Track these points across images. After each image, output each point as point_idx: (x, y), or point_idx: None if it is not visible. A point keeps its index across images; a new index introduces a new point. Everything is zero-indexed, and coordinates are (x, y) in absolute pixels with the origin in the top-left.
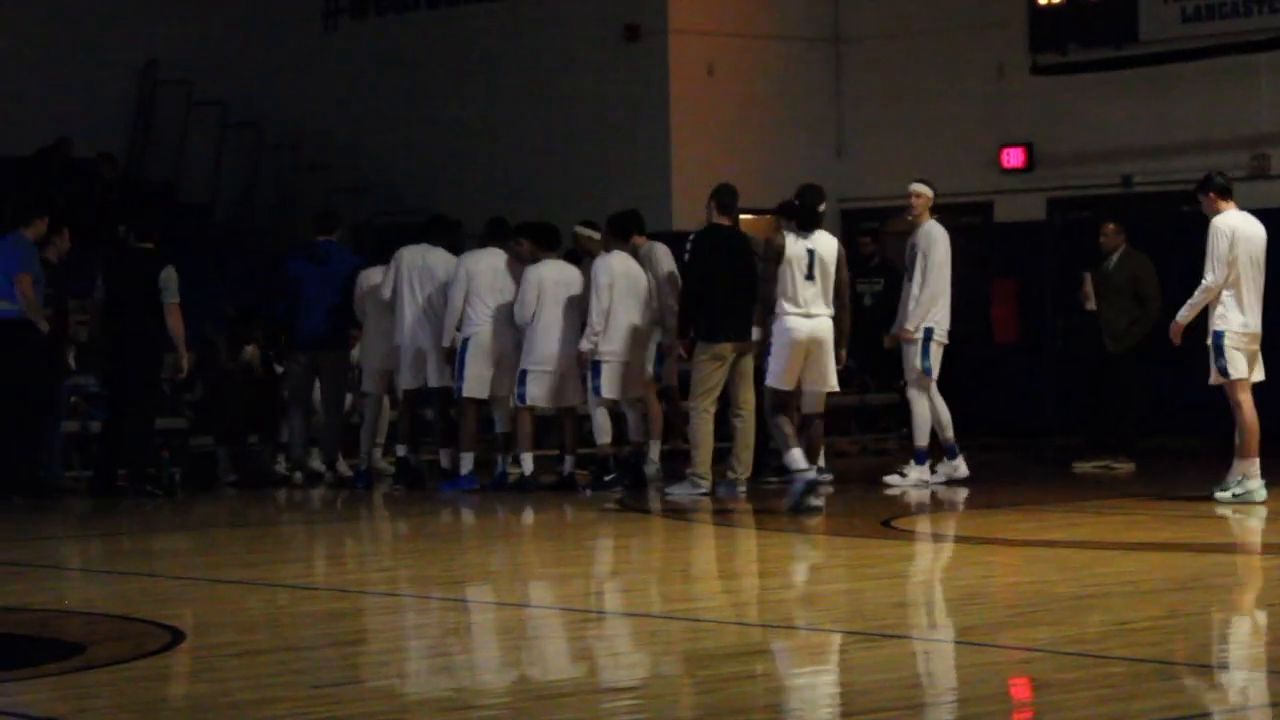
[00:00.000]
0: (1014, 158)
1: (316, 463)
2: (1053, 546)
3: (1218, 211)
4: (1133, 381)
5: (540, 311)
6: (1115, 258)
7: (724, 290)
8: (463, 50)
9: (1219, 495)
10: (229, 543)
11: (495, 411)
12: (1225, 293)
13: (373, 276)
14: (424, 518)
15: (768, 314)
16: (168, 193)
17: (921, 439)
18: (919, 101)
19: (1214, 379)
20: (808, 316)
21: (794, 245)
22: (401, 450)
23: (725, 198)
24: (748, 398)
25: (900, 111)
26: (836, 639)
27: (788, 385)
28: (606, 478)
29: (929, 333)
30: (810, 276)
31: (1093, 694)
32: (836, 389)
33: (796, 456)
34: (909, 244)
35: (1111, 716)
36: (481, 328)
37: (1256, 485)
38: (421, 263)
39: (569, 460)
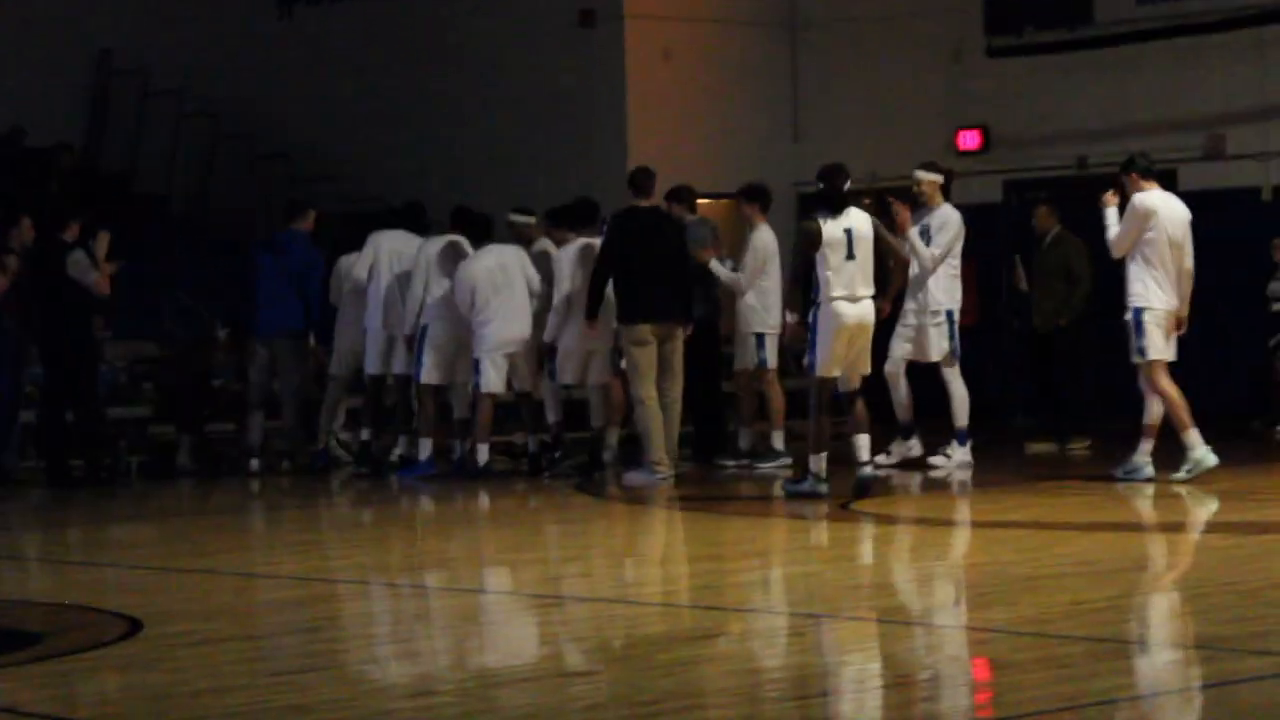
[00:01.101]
0: (970, 140)
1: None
2: (1010, 527)
3: (1140, 190)
4: (1071, 361)
5: (487, 299)
6: (1049, 239)
7: (642, 272)
8: (419, 37)
9: (1175, 477)
10: (186, 531)
11: (453, 397)
12: (1146, 271)
13: (349, 262)
14: (383, 504)
15: (805, 301)
16: (124, 183)
17: (961, 419)
18: (875, 85)
19: (1134, 358)
20: (853, 300)
21: (830, 228)
22: (365, 435)
23: (638, 180)
24: (674, 384)
25: (856, 95)
26: (795, 621)
27: (835, 372)
28: (556, 454)
29: (950, 314)
30: (852, 256)
31: (1050, 674)
32: (868, 371)
33: (820, 463)
34: (921, 226)
35: (1069, 696)
36: (441, 315)
37: (1203, 452)
38: (400, 248)
39: (533, 443)
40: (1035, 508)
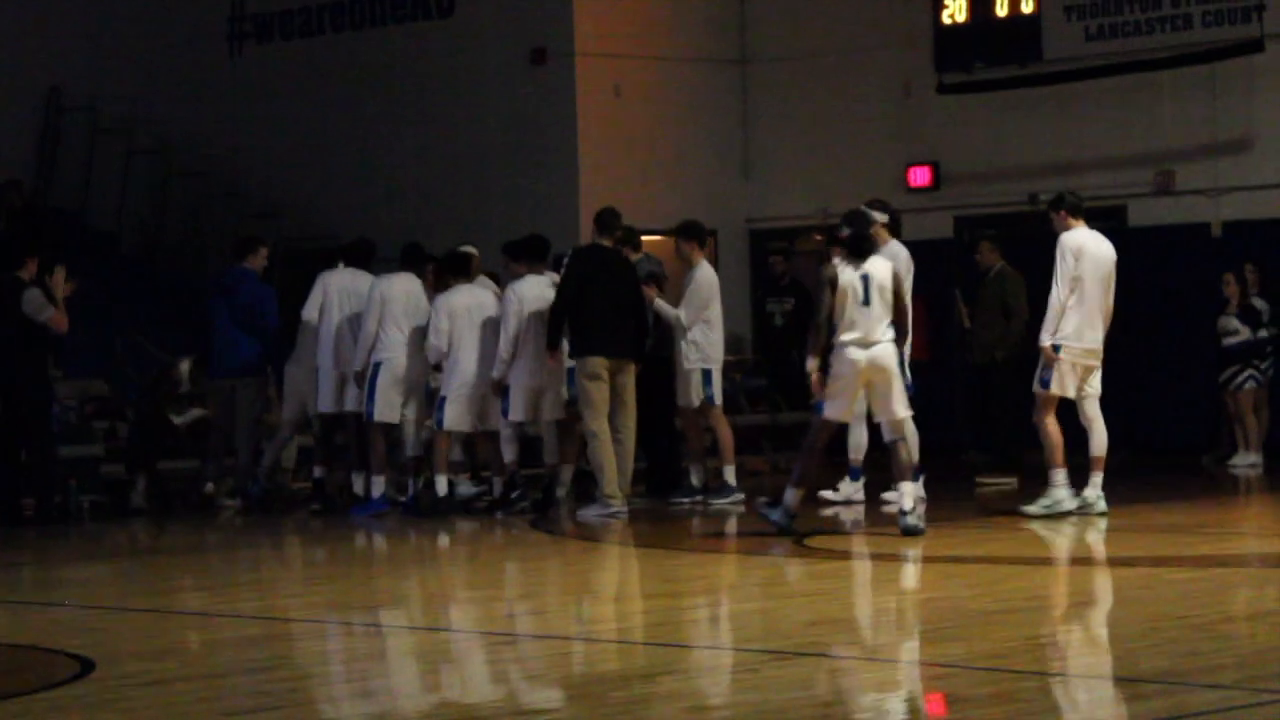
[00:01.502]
0: (920, 176)
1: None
2: (964, 562)
3: (1068, 228)
4: (1008, 395)
5: (456, 338)
6: (991, 274)
7: (598, 307)
8: (370, 74)
9: (1027, 509)
10: (138, 571)
11: (405, 435)
12: (1074, 310)
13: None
14: (337, 542)
15: (824, 344)
16: (74, 220)
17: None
18: (825, 121)
19: (1035, 387)
20: (864, 345)
21: (846, 273)
22: (318, 472)
23: (604, 219)
24: (627, 418)
25: (807, 131)
26: (749, 658)
27: (844, 418)
28: (513, 494)
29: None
30: (867, 302)
31: (1006, 709)
32: (907, 415)
33: (791, 496)
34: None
35: None
36: (394, 353)
37: (1064, 494)
38: (350, 286)
39: (497, 482)
40: (989, 543)
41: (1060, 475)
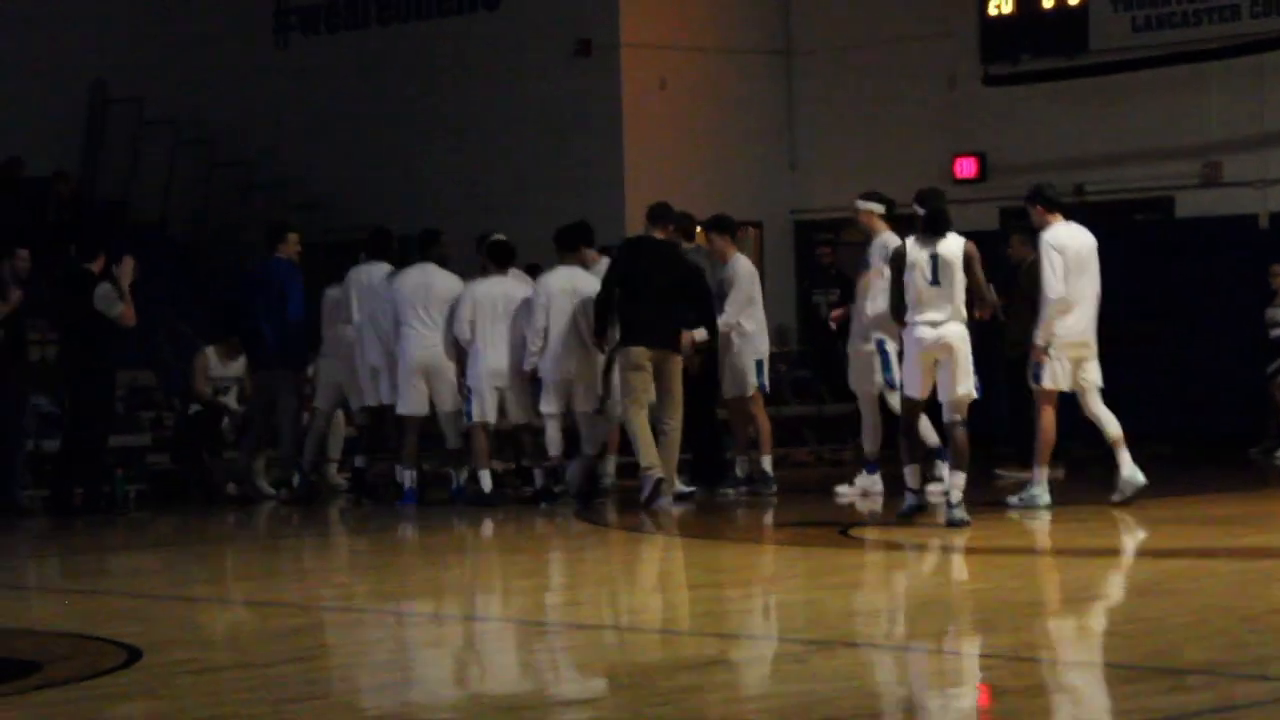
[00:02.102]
0: (966, 168)
1: (262, 481)
2: (1010, 553)
3: (1046, 224)
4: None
5: (481, 328)
6: (1023, 268)
7: (643, 298)
8: (415, 66)
9: (1009, 500)
10: (185, 560)
11: (445, 428)
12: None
13: (334, 293)
14: (381, 533)
15: (898, 321)
16: (120, 211)
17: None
18: (871, 113)
19: (1030, 383)
20: (933, 324)
21: (916, 251)
22: (359, 462)
23: (655, 211)
24: (673, 410)
25: (852, 123)
26: (795, 648)
27: (919, 394)
28: (556, 488)
29: (880, 344)
30: (936, 281)
31: (1050, 700)
32: (972, 394)
33: (909, 474)
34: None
35: None
36: (409, 343)
37: (1041, 491)
38: (365, 280)
39: (539, 474)
40: (1035, 534)
41: (1042, 473)
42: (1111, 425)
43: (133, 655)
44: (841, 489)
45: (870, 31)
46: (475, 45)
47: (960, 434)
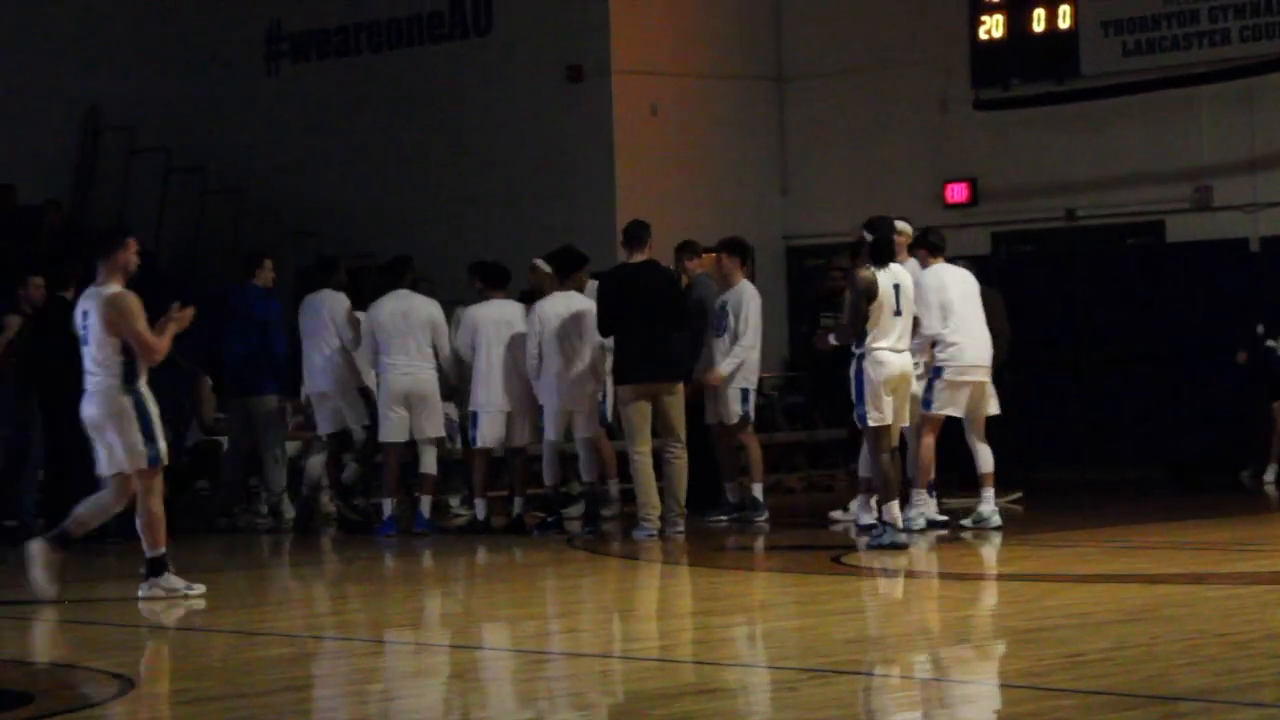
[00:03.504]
0: (958, 193)
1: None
2: (1001, 580)
3: (928, 266)
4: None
5: (484, 352)
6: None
7: (634, 329)
8: (406, 93)
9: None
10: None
11: (423, 454)
12: (946, 333)
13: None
14: (372, 561)
15: (849, 341)
16: None
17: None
18: (862, 138)
19: (921, 409)
20: (896, 352)
21: (883, 281)
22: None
23: (631, 233)
24: (674, 439)
25: (844, 148)
26: (789, 676)
27: (886, 421)
28: (549, 519)
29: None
30: (898, 312)
31: None
32: (906, 423)
33: (894, 511)
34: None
35: None
36: (388, 373)
37: (915, 514)
38: (313, 308)
39: (519, 501)
40: (1026, 560)
41: (921, 495)
42: (985, 460)
43: (125, 685)
44: (836, 513)
45: (862, 57)
46: (467, 71)
47: (896, 461)
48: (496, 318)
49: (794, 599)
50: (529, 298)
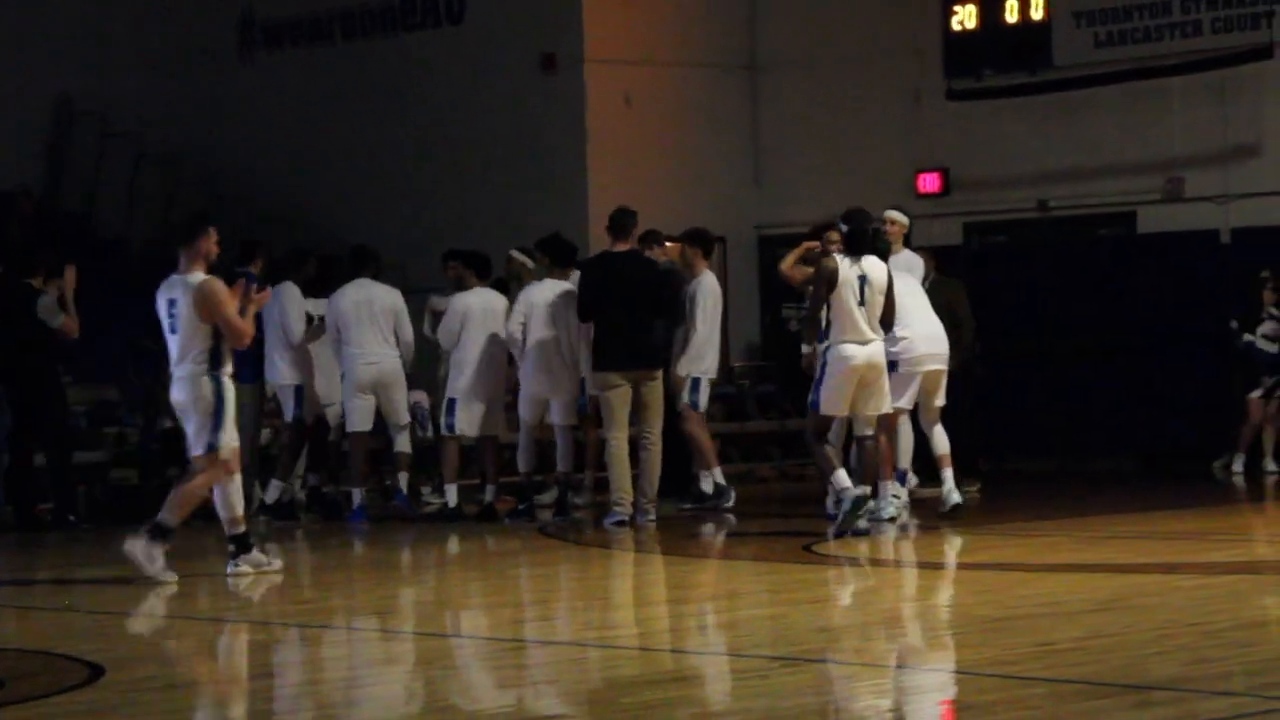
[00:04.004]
0: (930, 183)
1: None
2: (972, 569)
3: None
4: (960, 404)
5: (466, 340)
6: (927, 285)
7: (611, 319)
8: (379, 81)
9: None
10: (149, 577)
11: (396, 437)
12: (896, 328)
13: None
14: (345, 549)
15: (814, 339)
16: (83, 226)
17: (904, 461)
18: (835, 128)
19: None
20: (863, 343)
21: (846, 270)
22: (313, 480)
23: (616, 221)
24: (651, 426)
25: (817, 138)
26: (760, 664)
27: (840, 412)
28: (521, 506)
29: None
30: (862, 302)
31: (1015, 715)
32: (889, 410)
33: (841, 477)
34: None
35: None
36: (351, 362)
37: (892, 503)
38: (275, 299)
39: (490, 489)
40: (997, 549)
41: (893, 486)
42: (941, 444)
43: (95, 672)
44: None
45: (835, 47)
46: (439, 60)
47: (872, 448)
48: (484, 306)
49: (765, 587)
50: (501, 286)
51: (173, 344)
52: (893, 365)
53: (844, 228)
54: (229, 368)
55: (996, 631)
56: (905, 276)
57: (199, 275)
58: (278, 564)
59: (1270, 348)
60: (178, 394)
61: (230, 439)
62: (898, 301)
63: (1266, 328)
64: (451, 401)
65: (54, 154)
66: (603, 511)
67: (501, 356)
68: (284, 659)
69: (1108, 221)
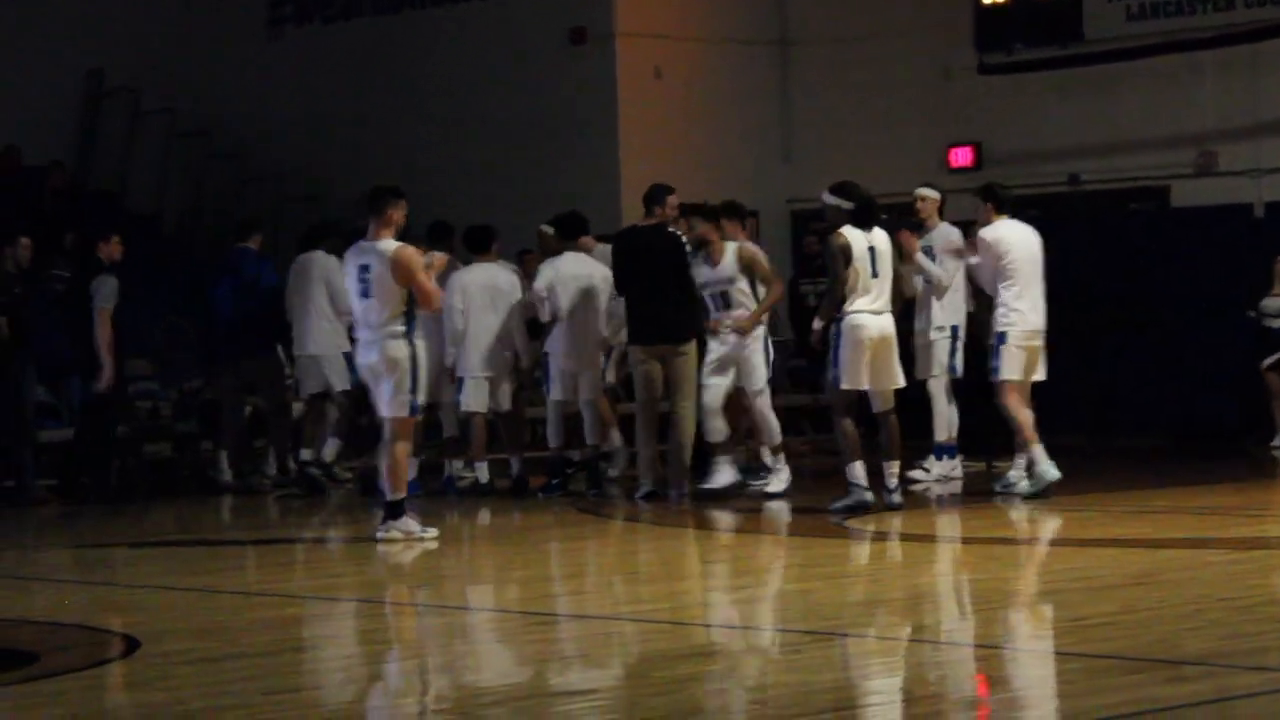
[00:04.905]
0: (961, 157)
1: (226, 474)
2: (1006, 544)
3: (990, 222)
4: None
5: (471, 317)
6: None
7: (640, 293)
8: (409, 56)
9: (1020, 489)
10: (182, 550)
11: (442, 416)
12: (1009, 295)
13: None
14: (374, 523)
15: (832, 314)
16: (115, 202)
17: (942, 434)
18: (866, 103)
19: (990, 377)
20: (876, 314)
21: (859, 243)
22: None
23: (647, 195)
24: (682, 400)
25: (847, 113)
26: (793, 639)
27: (861, 384)
28: (554, 480)
29: (955, 329)
30: (875, 274)
31: (1049, 690)
32: (903, 384)
33: (858, 471)
34: (923, 246)
35: (1068, 713)
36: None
37: (1047, 467)
38: (303, 270)
39: (516, 462)
40: (1030, 525)
41: (1038, 450)
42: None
43: (130, 645)
44: (917, 473)
45: (865, 21)
46: (470, 34)
47: (894, 422)
48: (483, 282)
49: (798, 561)
50: (520, 260)
51: (361, 308)
52: (1002, 337)
53: (846, 204)
54: (418, 331)
55: (1029, 606)
56: (1023, 245)
57: (391, 242)
58: (432, 532)
59: (1274, 324)
60: (370, 356)
61: (423, 400)
62: (1017, 270)
63: (1268, 304)
64: (459, 380)
65: (86, 130)
66: (634, 486)
67: (507, 331)
68: (316, 633)
69: (1140, 196)
